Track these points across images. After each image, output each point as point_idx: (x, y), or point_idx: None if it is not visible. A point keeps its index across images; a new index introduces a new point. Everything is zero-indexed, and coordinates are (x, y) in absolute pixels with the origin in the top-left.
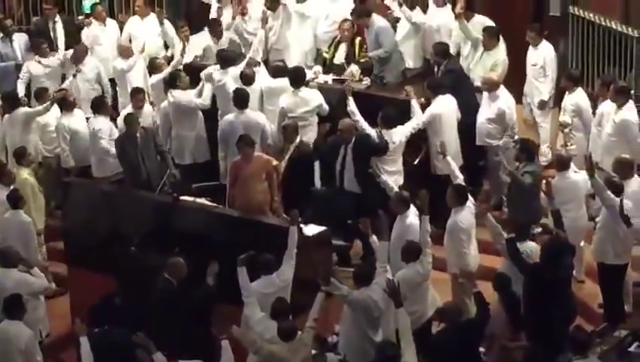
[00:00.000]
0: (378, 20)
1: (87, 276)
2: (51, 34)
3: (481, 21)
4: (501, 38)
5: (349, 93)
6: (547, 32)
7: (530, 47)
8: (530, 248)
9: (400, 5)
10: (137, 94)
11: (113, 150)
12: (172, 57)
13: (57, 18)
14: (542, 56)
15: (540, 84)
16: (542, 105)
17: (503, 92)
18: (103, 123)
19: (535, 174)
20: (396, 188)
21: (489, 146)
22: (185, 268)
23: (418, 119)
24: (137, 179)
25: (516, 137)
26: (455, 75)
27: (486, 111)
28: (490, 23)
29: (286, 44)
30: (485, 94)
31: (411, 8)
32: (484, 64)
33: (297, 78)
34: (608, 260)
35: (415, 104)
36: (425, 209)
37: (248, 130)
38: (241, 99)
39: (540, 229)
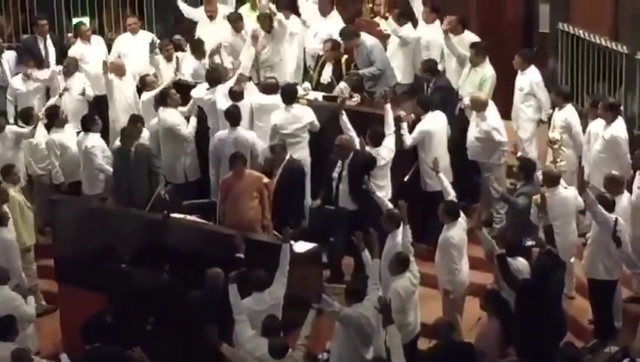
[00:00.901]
0: (367, 39)
1: (77, 293)
2: (42, 51)
3: (469, 37)
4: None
5: (342, 107)
6: (536, 48)
7: (519, 72)
8: (521, 264)
9: (385, 19)
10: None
11: (107, 167)
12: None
13: (48, 35)
14: (528, 81)
15: (525, 108)
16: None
17: (490, 111)
18: (95, 140)
19: (530, 195)
20: (390, 206)
21: (480, 163)
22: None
23: (404, 142)
24: (121, 195)
25: (519, 154)
26: (444, 91)
27: (474, 131)
28: (478, 39)
29: (277, 62)
30: (474, 113)
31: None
32: (473, 80)
33: (289, 94)
34: (598, 276)
35: (405, 128)
36: (405, 219)
37: (238, 147)
38: (232, 117)
39: (531, 242)
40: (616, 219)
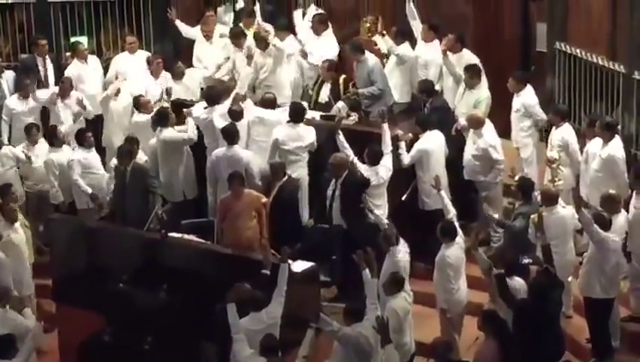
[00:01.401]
0: (370, 58)
1: (75, 313)
2: (41, 71)
3: (468, 56)
4: (483, 75)
5: (339, 126)
6: (534, 67)
7: (514, 94)
8: (519, 283)
9: (382, 35)
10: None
11: (82, 184)
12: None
13: (47, 55)
14: (523, 102)
15: (523, 129)
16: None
17: (487, 129)
18: (79, 155)
19: (528, 215)
20: (387, 224)
21: (477, 182)
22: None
23: (402, 161)
24: (118, 214)
25: (520, 174)
26: (441, 112)
27: (471, 149)
28: (476, 59)
29: (275, 81)
30: (470, 131)
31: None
32: (467, 101)
33: (297, 112)
34: (594, 294)
35: (402, 147)
36: (397, 238)
37: (233, 165)
38: (229, 135)
39: (528, 260)
40: (626, 237)
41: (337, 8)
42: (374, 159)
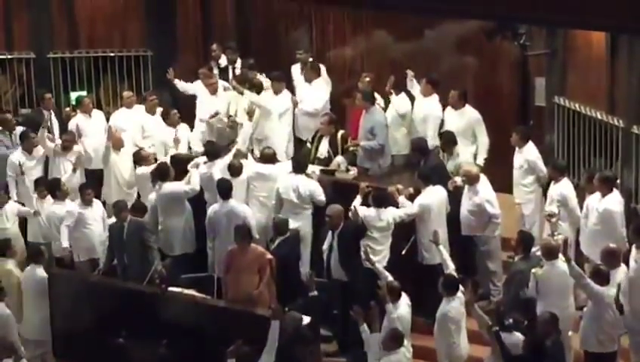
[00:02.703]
0: (377, 111)
1: None
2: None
3: (470, 111)
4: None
5: (362, 194)
6: (532, 121)
7: (516, 149)
8: (517, 339)
9: (390, 94)
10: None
11: (63, 236)
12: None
13: (52, 110)
14: (525, 158)
15: (525, 185)
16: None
17: (482, 184)
18: (72, 206)
19: (527, 271)
20: (390, 277)
21: (475, 236)
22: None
23: (409, 209)
24: (117, 269)
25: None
26: (436, 170)
27: (467, 204)
28: (478, 115)
29: (264, 135)
30: (466, 187)
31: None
32: (457, 124)
33: (299, 163)
34: (593, 348)
35: (404, 200)
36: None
37: (231, 220)
38: (224, 190)
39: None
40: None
41: (337, 64)
42: (380, 202)
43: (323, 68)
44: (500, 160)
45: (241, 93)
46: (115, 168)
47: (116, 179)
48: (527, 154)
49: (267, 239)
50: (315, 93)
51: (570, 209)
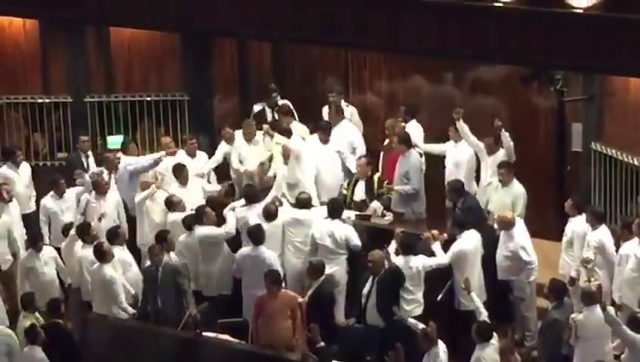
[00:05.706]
0: (414, 156)
1: None
2: (85, 167)
3: (502, 156)
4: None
5: (397, 239)
6: (569, 167)
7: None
8: None
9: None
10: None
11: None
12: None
13: (89, 152)
14: (572, 230)
15: (568, 256)
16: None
17: (518, 229)
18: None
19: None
20: (421, 326)
21: (510, 281)
22: None
23: (440, 259)
24: (151, 314)
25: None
26: (473, 212)
27: (502, 249)
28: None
29: (294, 179)
30: (502, 232)
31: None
32: (503, 199)
33: (335, 208)
34: None
35: (438, 248)
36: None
37: (256, 265)
38: (255, 236)
39: None
40: None
41: (373, 108)
42: (407, 249)
43: (353, 110)
44: (534, 205)
45: (271, 137)
46: (149, 215)
47: (150, 225)
48: (574, 226)
49: (302, 285)
50: (334, 135)
51: (608, 256)
